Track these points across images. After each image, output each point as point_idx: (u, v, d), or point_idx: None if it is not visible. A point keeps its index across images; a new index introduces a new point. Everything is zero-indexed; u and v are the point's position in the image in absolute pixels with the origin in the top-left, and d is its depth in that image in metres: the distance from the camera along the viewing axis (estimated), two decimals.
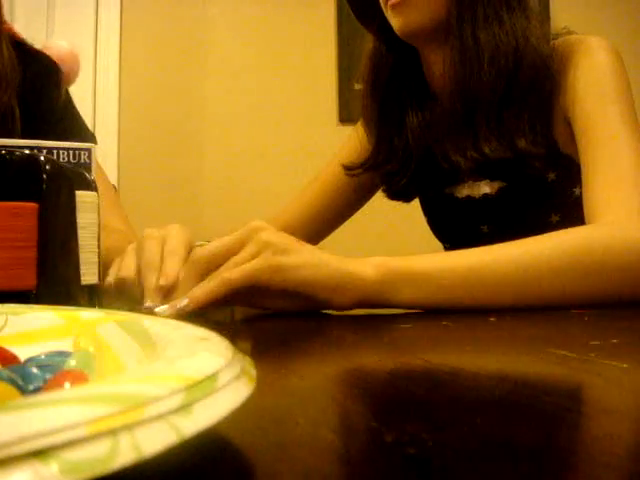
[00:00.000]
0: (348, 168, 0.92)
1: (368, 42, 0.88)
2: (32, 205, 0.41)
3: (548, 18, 2.06)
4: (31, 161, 0.43)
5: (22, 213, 0.40)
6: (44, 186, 0.42)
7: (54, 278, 0.43)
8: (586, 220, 0.64)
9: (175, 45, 2.39)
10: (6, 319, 0.26)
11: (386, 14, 0.78)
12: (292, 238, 0.53)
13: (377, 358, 0.34)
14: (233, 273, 0.49)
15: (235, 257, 0.50)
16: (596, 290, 0.53)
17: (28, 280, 0.40)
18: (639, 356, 0.34)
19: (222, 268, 0.50)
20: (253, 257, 0.49)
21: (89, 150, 0.52)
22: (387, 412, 0.22)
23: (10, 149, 0.43)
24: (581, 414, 0.23)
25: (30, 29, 1.86)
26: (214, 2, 2.40)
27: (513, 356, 0.34)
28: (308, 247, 0.52)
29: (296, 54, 2.37)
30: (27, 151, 0.44)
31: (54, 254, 0.43)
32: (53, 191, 0.43)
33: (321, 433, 0.19)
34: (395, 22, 0.76)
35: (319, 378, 0.30)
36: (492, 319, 0.47)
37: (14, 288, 0.40)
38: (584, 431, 0.20)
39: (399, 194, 0.92)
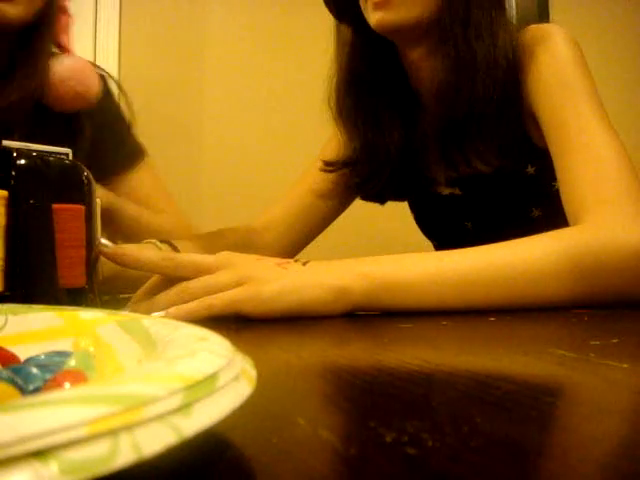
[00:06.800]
0: (327, 164, 0.91)
1: (343, 34, 0.87)
2: (80, 207, 0.45)
3: (547, 18, 2.06)
4: (76, 167, 0.47)
5: (79, 215, 0.45)
6: (85, 189, 0.46)
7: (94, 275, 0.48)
8: (569, 220, 0.62)
9: (174, 45, 2.39)
10: (6, 319, 0.26)
11: (363, 8, 0.75)
12: (271, 262, 0.52)
13: (377, 358, 0.34)
14: (216, 300, 0.48)
15: (211, 278, 0.50)
16: (587, 294, 0.52)
17: (81, 278, 0.45)
18: (639, 356, 0.34)
19: (198, 285, 0.50)
20: (233, 285, 0.49)
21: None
22: (387, 412, 0.22)
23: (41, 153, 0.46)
24: (581, 414, 0.23)
25: None
26: (213, 2, 2.41)
27: (513, 356, 0.34)
28: (291, 268, 0.51)
29: (295, 54, 2.37)
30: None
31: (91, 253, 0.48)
32: (92, 193, 0.48)
33: (321, 433, 0.19)
34: (373, 18, 0.73)
35: (319, 378, 0.30)
36: (492, 319, 0.47)
37: (74, 285, 0.45)
38: (584, 431, 0.20)
39: (374, 195, 0.90)
